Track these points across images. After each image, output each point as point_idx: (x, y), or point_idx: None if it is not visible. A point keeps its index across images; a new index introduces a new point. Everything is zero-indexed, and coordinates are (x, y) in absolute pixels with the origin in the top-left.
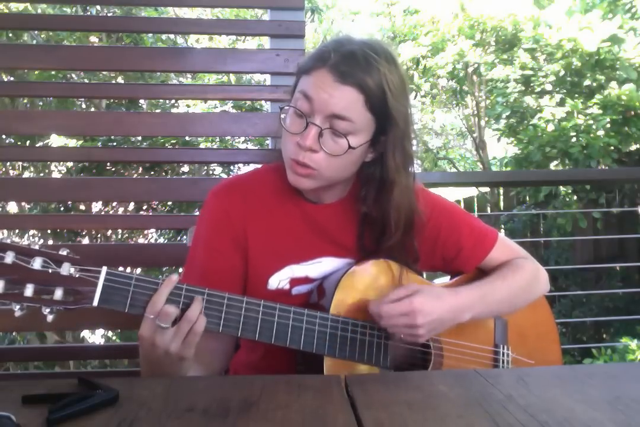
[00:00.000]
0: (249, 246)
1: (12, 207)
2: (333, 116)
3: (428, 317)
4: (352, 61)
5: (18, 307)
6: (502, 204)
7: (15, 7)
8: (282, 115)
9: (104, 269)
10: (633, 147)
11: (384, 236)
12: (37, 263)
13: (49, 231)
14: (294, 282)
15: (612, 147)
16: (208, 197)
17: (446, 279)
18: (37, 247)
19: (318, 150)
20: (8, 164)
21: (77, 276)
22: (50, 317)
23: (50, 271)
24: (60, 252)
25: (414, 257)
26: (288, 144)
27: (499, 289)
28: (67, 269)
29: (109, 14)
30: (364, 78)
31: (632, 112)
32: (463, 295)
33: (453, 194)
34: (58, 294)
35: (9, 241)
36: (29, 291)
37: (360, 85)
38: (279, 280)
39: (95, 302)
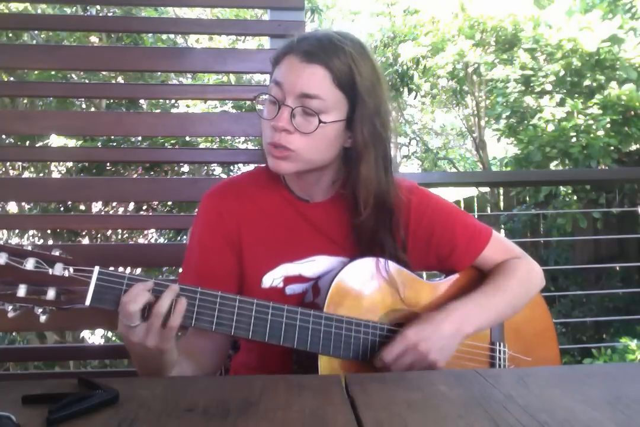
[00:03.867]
0: (243, 245)
1: (12, 207)
2: (303, 96)
3: (429, 342)
4: (317, 43)
5: (11, 307)
6: (502, 204)
7: (15, 7)
8: (260, 107)
9: (97, 268)
10: (633, 147)
11: (354, 213)
12: (30, 264)
13: (48, 231)
14: (288, 280)
15: (612, 147)
16: (202, 199)
17: (441, 277)
18: (29, 248)
19: (292, 131)
20: (8, 164)
21: (69, 275)
22: (43, 318)
23: (42, 271)
24: (52, 253)
25: (402, 245)
26: (265, 130)
27: (492, 296)
28: (59, 269)
29: (109, 14)
30: (329, 56)
31: (632, 112)
32: (458, 308)
33: (453, 194)
34: (51, 294)
35: (1, 242)
36: (21, 291)
37: (326, 63)
38: (272, 278)
39: (87, 302)
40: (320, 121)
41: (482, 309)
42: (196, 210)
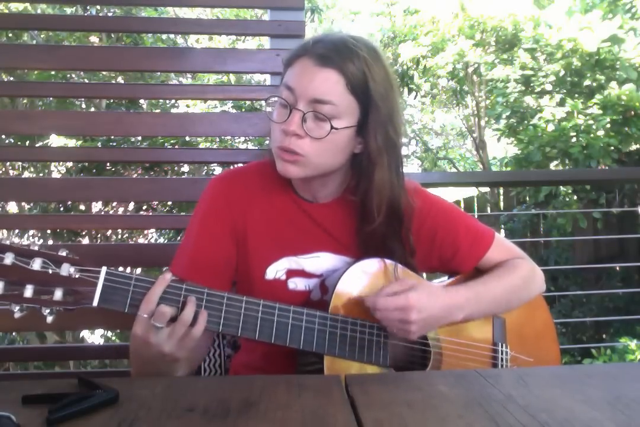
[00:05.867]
0: (248, 235)
1: (12, 207)
2: (315, 101)
3: (422, 314)
4: (332, 47)
5: (18, 308)
6: (502, 204)
7: (15, 7)
8: (269, 109)
9: (104, 269)
10: (633, 147)
11: (365, 220)
12: (36, 264)
13: (48, 231)
14: (290, 273)
15: (612, 147)
16: (209, 184)
17: (443, 279)
18: (36, 248)
19: (303, 135)
20: (8, 164)
21: (76, 276)
22: (49, 318)
23: (49, 271)
24: (59, 253)
25: (410, 250)
26: (275, 133)
27: (493, 288)
28: (66, 269)
29: (109, 14)
30: (344, 61)
31: (632, 112)
32: (457, 294)
33: (453, 194)
34: (58, 294)
35: (8, 242)
36: (28, 291)
37: (340, 68)
38: (276, 270)
39: (95, 302)
40: (332, 127)
41: (478, 300)
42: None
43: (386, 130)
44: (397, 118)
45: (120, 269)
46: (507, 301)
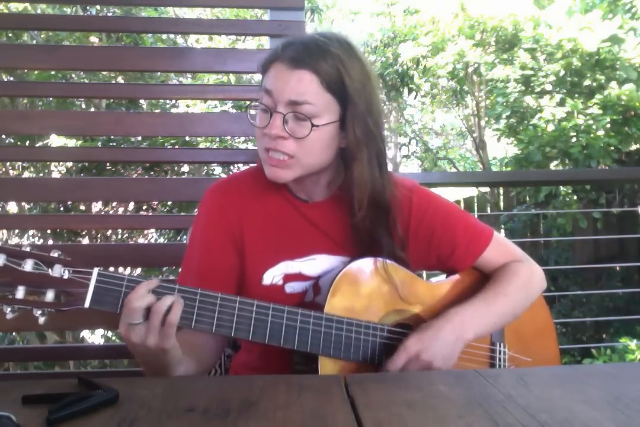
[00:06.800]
0: (245, 242)
1: (12, 207)
2: (292, 102)
3: (431, 350)
4: (303, 48)
5: (9, 309)
6: (502, 204)
7: (15, 7)
8: (253, 112)
9: (96, 270)
10: (633, 147)
11: (351, 215)
12: (28, 265)
13: (48, 231)
14: (288, 278)
15: (612, 147)
16: (205, 195)
17: (441, 278)
18: (28, 249)
19: (287, 137)
20: (8, 164)
21: (68, 277)
22: (42, 319)
23: (41, 272)
24: (51, 254)
25: (400, 243)
26: (259, 139)
27: (493, 302)
28: (58, 270)
29: (109, 14)
30: (316, 60)
31: (632, 112)
32: (455, 315)
33: (453, 194)
34: (49, 296)
35: None
36: (20, 293)
37: (313, 67)
38: (272, 276)
39: (86, 304)
40: (312, 125)
41: (481, 315)
42: (196, 209)
43: (365, 124)
44: (377, 111)
45: (120, 269)
46: (512, 312)
